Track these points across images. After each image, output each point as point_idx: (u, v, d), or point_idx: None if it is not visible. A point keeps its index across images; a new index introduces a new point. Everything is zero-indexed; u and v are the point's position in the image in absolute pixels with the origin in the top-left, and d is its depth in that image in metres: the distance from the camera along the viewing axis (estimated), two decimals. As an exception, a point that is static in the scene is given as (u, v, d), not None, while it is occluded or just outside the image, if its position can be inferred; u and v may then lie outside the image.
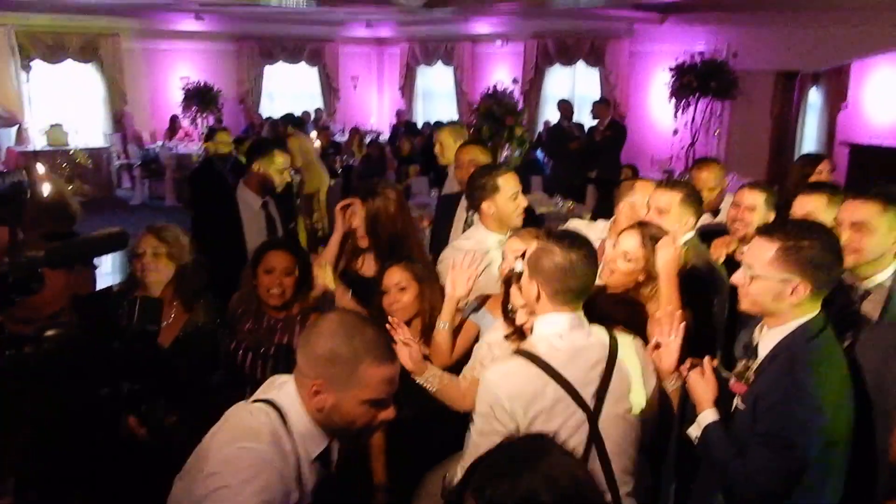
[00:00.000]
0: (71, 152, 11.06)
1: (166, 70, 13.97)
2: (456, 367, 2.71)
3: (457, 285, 2.67)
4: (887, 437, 2.03)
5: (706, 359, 2.23)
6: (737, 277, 2.12)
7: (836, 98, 10.68)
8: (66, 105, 13.01)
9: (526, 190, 3.34)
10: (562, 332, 2.08)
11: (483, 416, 2.01)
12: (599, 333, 2.15)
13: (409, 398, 2.23)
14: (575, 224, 3.70)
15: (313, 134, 11.07)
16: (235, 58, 14.82)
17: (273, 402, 1.73)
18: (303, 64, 15.54)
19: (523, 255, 2.19)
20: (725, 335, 3.01)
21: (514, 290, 2.30)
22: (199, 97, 13.52)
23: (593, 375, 2.07)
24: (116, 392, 2.10)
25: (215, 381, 3.12)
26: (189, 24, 13.07)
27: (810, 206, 3.03)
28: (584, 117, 11.18)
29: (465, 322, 2.87)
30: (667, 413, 2.35)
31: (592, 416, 2.05)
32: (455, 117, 14.83)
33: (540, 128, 12.43)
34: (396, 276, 2.82)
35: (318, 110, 14.85)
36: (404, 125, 13.95)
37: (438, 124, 12.75)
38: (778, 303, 2.03)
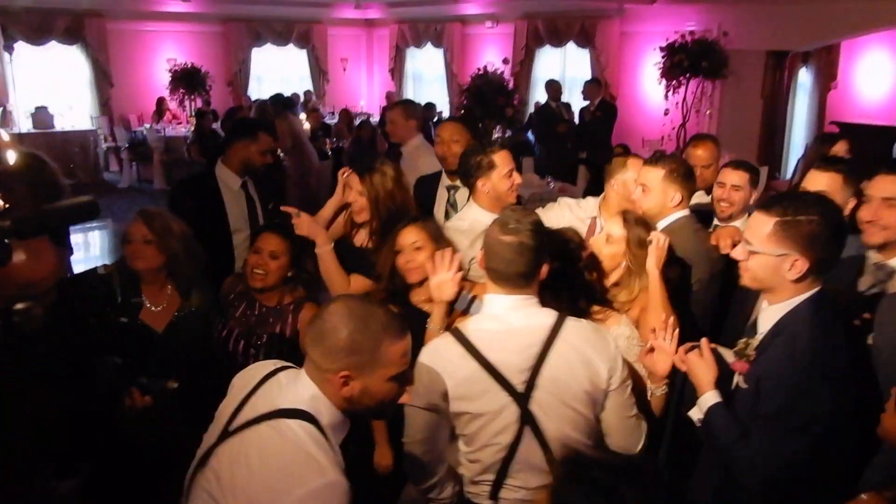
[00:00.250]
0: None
1: (153, 52, 13.80)
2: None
3: (443, 291, 2.55)
4: None
5: (703, 340, 2.20)
6: (736, 252, 2.09)
7: (826, 77, 10.70)
8: (51, 87, 12.84)
9: (517, 171, 3.32)
10: (498, 313, 2.08)
11: (415, 391, 2.00)
12: (543, 317, 2.08)
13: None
14: (565, 202, 3.66)
15: (303, 116, 10.99)
16: (223, 39, 14.66)
17: (303, 412, 1.68)
18: (291, 46, 15.38)
19: None
20: (722, 317, 2.98)
21: None
22: (187, 79, 13.37)
23: (526, 357, 2.02)
24: (108, 366, 2.09)
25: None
26: (175, 5, 12.88)
27: (823, 184, 2.89)
28: (575, 98, 11.13)
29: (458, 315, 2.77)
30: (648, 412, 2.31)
31: (522, 397, 2.01)
32: (445, 99, 14.75)
33: (531, 109, 12.36)
34: (412, 236, 2.76)
35: (307, 93, 14.74)
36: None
37: (430, 106, 12.70)
38: (777, 278, 1.99)
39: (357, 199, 3.16)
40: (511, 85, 11.08)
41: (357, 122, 12.37)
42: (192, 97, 13.49)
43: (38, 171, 1.46)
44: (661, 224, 2.98)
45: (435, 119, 12.65)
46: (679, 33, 10.30)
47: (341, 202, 3.32)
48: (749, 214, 3.60)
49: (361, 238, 3.24)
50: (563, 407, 2.03)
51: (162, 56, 13.71)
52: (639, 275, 2.61)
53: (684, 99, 10.58)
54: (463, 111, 10.26)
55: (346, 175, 3.27)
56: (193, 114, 12.55)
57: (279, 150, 7.25)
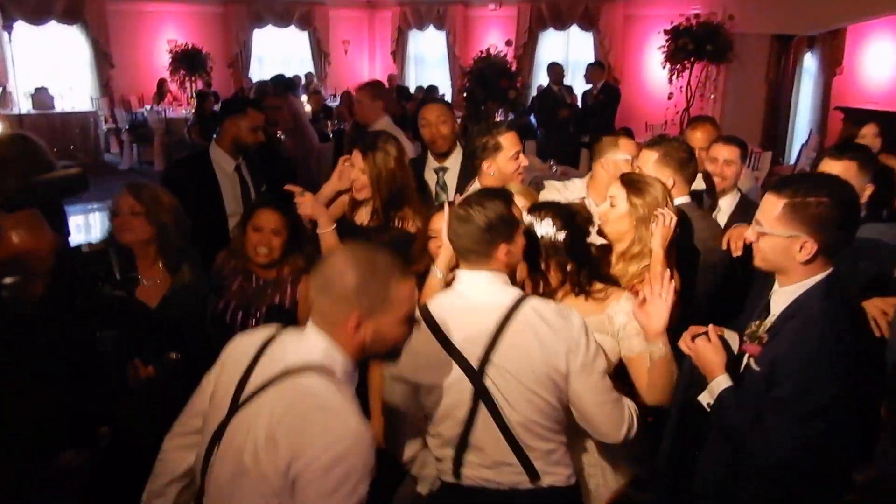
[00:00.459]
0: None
1: (153, 33, 13.71)
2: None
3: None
4: None
5: (711, 326, 2.18)
6: (749, 233, 2.09)
7: (832, 62, 10.59)
8: (51, 68, 12.77)
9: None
10: (461, 289, 2.11)
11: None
12: (504, 295, 2.06)
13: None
14: (552, 185, 3.62)
15: (304, 98, 10.93)
16: (223, 20, 14.56)
17: (317, 366, 1.66)
18: (293, 27, 15.27)
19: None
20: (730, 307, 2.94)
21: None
22: (188, 61, 13.31)
23: (481, 334, 2.01)
24: (107, 339, 2.09)
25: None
26: (176, -15, 12.84)
27: (837, 172, 2.68)
28: (578, 82, 11.04)
29: None
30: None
31: (475, 373, 2.00)
32: (447, 82, 14.67)
33: (534, 92, 12.28)
34: (443, 221, 2.78)
35: (308, 75, 14.65)
36: (396, 90, 13.78)
37: (432, 89, 12.62)
38: (787, 260, 1.98)
39: (359, 176, 3.13)
40: (514, 68, 11.00)
41: (358, 104, 12.30)
42: (193, 79, 13.41)
43: (24, 147, 1.44)
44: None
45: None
46: (684, 16, 10.22)
47: (338, 188, 3.29)
48: (738, 191, 3.61)
49: (361, 217, 3.22)
50: (521, 388, 2.00)
51: (162, 37, 13.62)
52: (644, 250, 2.58)
53: (688, 83, 10.50)
54: (465, 94, 10.19)
55: (345, 163, 3.24)
56: (194, 95, 12.48)
57: (279, 132, 7.20)
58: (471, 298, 2.08)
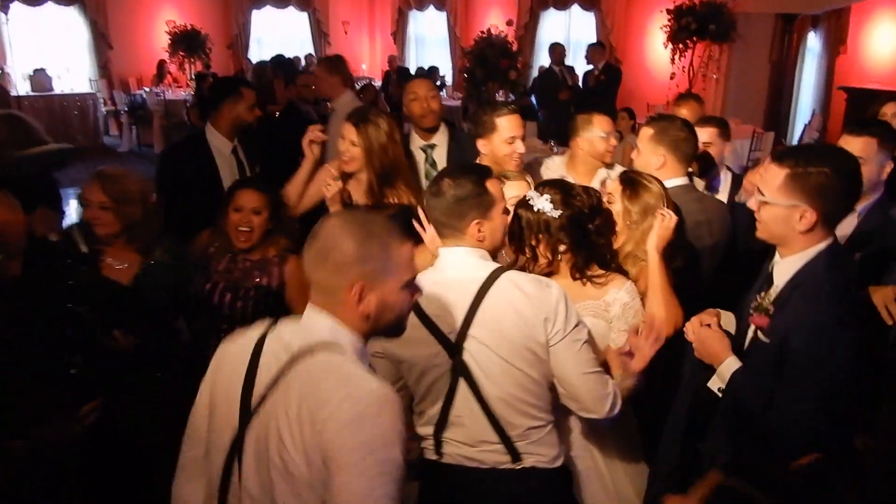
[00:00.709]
0: None
1: (152, 14, 13.60)
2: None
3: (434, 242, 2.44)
4: None
5: (707, 313, 2.19)
6: (751, 203, 2.09)
7: (836, 42, 10.49)
8: (48, 50, 12.67)
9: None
10: (441, 264, 2.09)
11: None
12: (479, 270, 2.04)
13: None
14: (529, 165, 3.62)
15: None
16: (222, 1, 14.44)
17: (325, 343, 1.56)
18: (292, 8, 15.16)
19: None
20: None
21: None
22: (186, 42, 13.20)
23: (459, 308, 1.99)
24: (74, 315, 2.10)
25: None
26: (174, -36, 12.72)
27: (857, 149, 2.59)
28: (580, 62, 10.95)
29: None
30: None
31: (453, 348, 1.99)
32: (448, 63, 14.56)
33: (535, 73, 12.19)
34: None
35: (308, 56, 14.54)
36: (396, 71, 13.69)
37: (433, 70, 12.53)
38: (787, 230, 1.99)
39: (349, 148, 3.11)
40: (515, 48, 10.91)
41: (359, 85, 12.23)
42: (192, 60, 13.32)
43: (15, 126, 1.42)
44: None
45: (438, 83, 12.50)
46: (687, -5, 10.12)
47: (314, 160, 3.31)
48: (728, 169, 3.60)
49: (356, 195, 3.19)
50: (500, 362, 1.98)
51: (161, 18, 13.51)
52: (637, 250, 2.53)
53: (691, 63, 10.41)
54: (466, 74, 10.11)
55: (314, 133, 3.27)
56: (193, 77, 12.40)
57: (276, 112, 7.16)
58: (448, 274, 2.06)
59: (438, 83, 11.80)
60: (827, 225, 1.99)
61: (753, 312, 2.09)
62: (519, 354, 1.97)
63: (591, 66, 9.98)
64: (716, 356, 2.12)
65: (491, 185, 2.08)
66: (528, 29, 12.96)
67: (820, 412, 1.91)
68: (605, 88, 9.70)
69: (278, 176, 3.43)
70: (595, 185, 3.28)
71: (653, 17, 10.91)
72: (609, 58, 10.32)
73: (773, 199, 1.99)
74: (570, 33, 12.87)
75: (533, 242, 2.30)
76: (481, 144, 3.21)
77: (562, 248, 2.29)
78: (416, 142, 3.76)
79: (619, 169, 3.31)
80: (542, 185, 2.36)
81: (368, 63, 16.26)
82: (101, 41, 13.01)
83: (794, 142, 10.15)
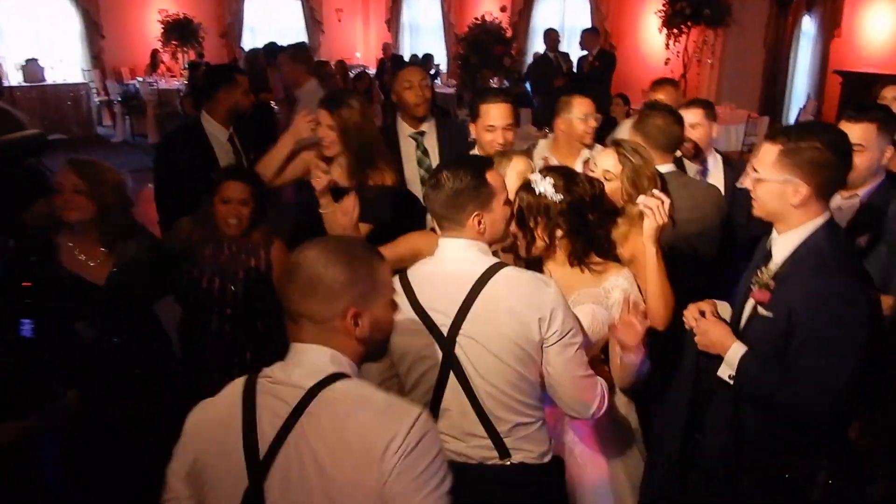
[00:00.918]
0: None
1: (144, 2, 13.50)
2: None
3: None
4: None
5: (705, 303, 2.21)
6: (746, 181, 2.14)
7: (831, 25, 10.47)
8: (41, 39, 12.59)
9: (513, 126, 3.29)
10: (440, 255, 2.09)
11: None
12: (477, 264, 2.03)
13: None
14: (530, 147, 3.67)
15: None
16: (215, -10, 14.37)
17: (333, 375, 1.52)
18: (285, -4, 15.10)
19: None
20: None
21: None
22: (179, 31, 13.14)
23: (453, 302, 1.98)
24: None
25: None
26: (165, -47, 12.62)
27: (856, 136, 2.57)
28: (575, 48, 10.92)
29: None
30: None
31: (445, 340, 1.98)
32: (443, 50, 14.51)
33: (529, 59, 12.16)
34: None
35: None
36: (391, 59, 13.64)
37: (427, 57, 12.49)
38: (782, 205, 2.04)
39: (326, 133, 3.15)
40: (509, 34, 10.87)
41: (352, 73, 12.19)
42: (185, 49, 13.25)
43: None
44: None
45: (433, 71, 12.46)
46: (681, -21, 10.08)
47: (296, 137, 3.33)
48: (717, 152, 3.60)
49: (337, 179, 3.16)
50: (492, 358, 1.97)
51: (153, 7, 13.43)
52: (633, 223, 2.56)
53: (685, 48, 10.39)
54: (460, 61, 10.08)
55: (307, 118, 3.30)
56: (186, 66, 12.34)
57: (271, 101, 7.15)
58: (446, 266, 2.06)
59: (433, 71, 11.76)
60: (821, 199, 2.03)
61: (754, 287, 2.10)
62: (511, 351, 1.97)
63: (585, 52, 9.95)
64: (720, 344, 2.13)
65: (491, 176, 2.07)
66: (522, 15, 12.91)
67: (845, 376, 1.94)
68: (599, 74, 9.67)
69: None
70: (578, 165, 3.32)
71: (647, 2, 10.88)
72: (604, 43, 10.28)
73: (767, 175, 2.04)
74: (564, 19, 12.83)
75: (532, 224, 2.31)
76: (472, 128, 3.31)
77: (559, 232, 2.30)
78: (405, 130, 3.73)
79: (599, 148, 3.37)
80: (547, 170, 2.36)
81: (363, 51, 16.19)
82: (94, 31, 12.94)
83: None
